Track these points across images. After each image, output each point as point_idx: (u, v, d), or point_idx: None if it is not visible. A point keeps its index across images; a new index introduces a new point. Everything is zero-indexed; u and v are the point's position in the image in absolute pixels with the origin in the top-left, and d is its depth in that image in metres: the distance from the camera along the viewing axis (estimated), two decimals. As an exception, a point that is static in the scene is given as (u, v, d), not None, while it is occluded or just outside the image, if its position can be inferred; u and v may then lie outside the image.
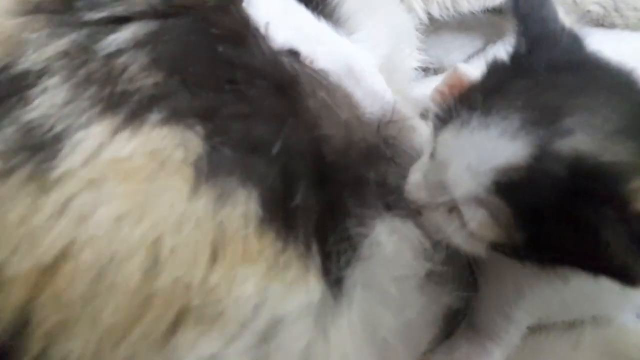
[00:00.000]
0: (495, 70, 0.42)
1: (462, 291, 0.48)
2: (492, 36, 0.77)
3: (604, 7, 0.68)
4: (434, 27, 0.75)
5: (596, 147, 0.35)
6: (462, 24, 0.76)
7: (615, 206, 0.34)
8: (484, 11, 0.74)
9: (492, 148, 0.36)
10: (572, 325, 0.56)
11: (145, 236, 0.34)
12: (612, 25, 0.69)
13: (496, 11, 0.75)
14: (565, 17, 0.43)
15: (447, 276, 0.45)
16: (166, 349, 0.34)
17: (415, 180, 0.42)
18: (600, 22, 0.70)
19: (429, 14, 0.67)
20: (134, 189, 0.35)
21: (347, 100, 0.47)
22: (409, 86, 0.64)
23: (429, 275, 0.43)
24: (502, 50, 0.44)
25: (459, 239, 0.40)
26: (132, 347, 0.33)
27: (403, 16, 0.61)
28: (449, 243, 0.41)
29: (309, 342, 0.36)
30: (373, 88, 0.49)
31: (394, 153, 0.48)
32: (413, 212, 0.42)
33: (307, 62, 0.46)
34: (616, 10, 0.68)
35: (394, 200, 0.43)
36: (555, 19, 0.42)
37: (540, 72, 0.39)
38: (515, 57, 0.42)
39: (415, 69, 0.68)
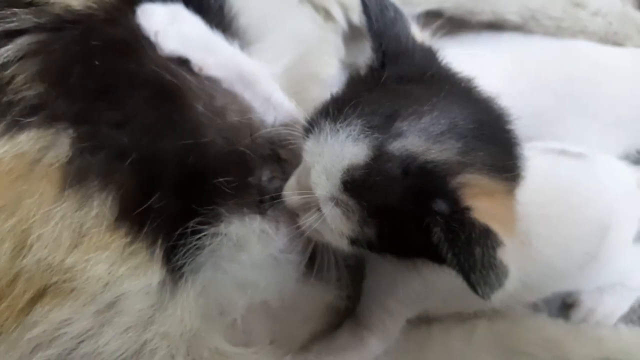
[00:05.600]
0: (352, 82, 0.46)
1: (345, 291, 0.52)
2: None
3: (522, 17, 0.71)
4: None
5: (424, 147, 0.39)
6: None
7: (447, 200, 0.37)
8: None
9: (340, 151, 0.40)
10: (465, 319, 0.60)
11: (15, 227, 0.40)
12: (530, 32, 0.72)
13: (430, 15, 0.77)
14: (419, 33, 0.47)
15: (325, 276, 0.49)
16: (28, 317, 0.40)
17: (290, 185, 0.47)
18: (520, 29, 0.72)
19: (350, 21, 0.70)
20: (6, 188, 0.40)
21: (237, 106, 0.51)
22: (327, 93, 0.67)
23: (299, 271, 0.48)
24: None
25: (326, 236, 0.44)
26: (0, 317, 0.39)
27: (314, 25, 0.63)
28: (319, 240, 0.45)
29: (147, 310, 0.42)
30: (266, 95, 0.53)
31: (288, 155, 0.52)
32: (281, 210, 0.46)
33: (196, 69, 0.50)
34: (533, 19, 0.71)
35: (266, 200, 0.47)
36: (407, 35, 0.45)
37: (388, 84, 0.43)
38: (370, 70, 0.46)
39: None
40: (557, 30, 0.72)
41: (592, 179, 0.61)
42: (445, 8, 0.70)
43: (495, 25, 0.73)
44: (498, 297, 0.36)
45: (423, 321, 0.58)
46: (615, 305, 0.66)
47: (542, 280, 0.57)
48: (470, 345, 0.58)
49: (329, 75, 0.68)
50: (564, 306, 0.67)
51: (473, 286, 0.35)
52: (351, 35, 0.73)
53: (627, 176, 0.64)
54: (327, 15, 0.67)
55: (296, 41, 0.60)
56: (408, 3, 0.68)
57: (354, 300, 0.55)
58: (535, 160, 0.59)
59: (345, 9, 0.68)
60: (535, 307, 0.64)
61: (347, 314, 0.56)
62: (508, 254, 0.36)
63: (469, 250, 0.35)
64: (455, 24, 0.73)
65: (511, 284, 0.36)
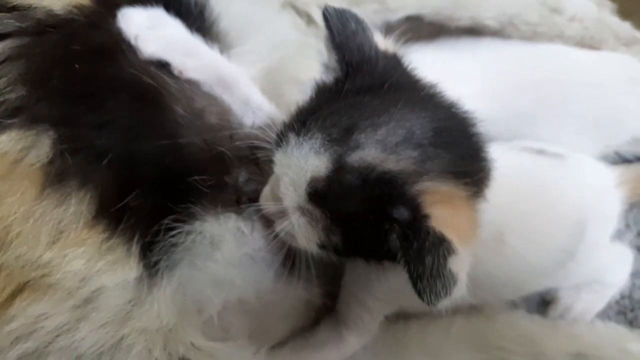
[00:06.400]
0: (316, 94, 0.48)
1: (322, 288, 0.53)
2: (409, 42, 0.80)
3: (500, 22, 0.72)
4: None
5: (380, 157, 0.40)
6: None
7: (404, 208, 0.39)
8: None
9: (304, 164, 0.41)
10: (442, 315, 0.60)
11: None
12: (508, 37, 0.74)
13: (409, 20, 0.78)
14: (382, 40, 0.48)
15: (302, 274, 0.50)
16: (8, 311, 0.41)
17: (266, 194, 0.48)
18: (499, 34, 0.74)
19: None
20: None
21: (217, 109, 0.53)
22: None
23: (275, 269, 0.49)
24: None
25: (298, 241, 0.45)
26: None
27: (295, 30, 0.65)
28: (293, 244, 0.47)
29: (125, 305, 0.44)
30: (245, 97, 0.54)
31: (265, 157, 0.53)
32: (256, 210, 0.48)
33: (176, 72, 0.52)
34: (511, 24, 0.73)
35: (243, 200, 0.48)
36: (369, 45, 0.46)
37: (349, 96, 0.44)
38: (335, 82, 0.47)
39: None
40: (534, 35, 0.73)
41: (568, 177, 0.62)
42: (425, 14, 0.71)
43: (475, 31, 0.75)
44: (444, 305, 0.36)
45: (401, 317, 0.59)
46: (592, 302, 0.67)
47: (519, 278, 0.58)
48: (446, 340, 0.59)
49: (310, 79, 0.69)
50: (543, 303, 0.68)
51: (419, 293, 0.36)
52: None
53: (604, 175, 0.65)
54: (310, 19, 0.69)
55: (276, 45, 0.61)
56: (387, 9, 0.70)
57: (333, 297, 0.56)
58: (512, 159, 0.61)
59: (327, 14, 0.70)
60: (513, 304, 0.65)
61: (326, 311, 0.57)
62: (461, 263, 0.37)
63: (420, 258, 0.36)
64: (433, 31, 0.75)
65: (459, 292, 0.37)
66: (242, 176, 0.50)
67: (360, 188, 0.40)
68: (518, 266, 0.57)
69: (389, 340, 0.57)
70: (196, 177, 0.46)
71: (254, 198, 0.49)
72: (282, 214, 0.45)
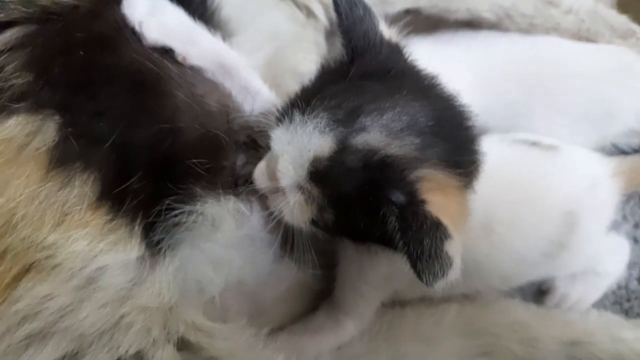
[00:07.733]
0: (321, 75, 0.49)
1: (320, 271, 0.54)
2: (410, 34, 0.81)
3: (497, 14, 0.73)
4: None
5: (384, 142, 0.41)
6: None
7: (404, 192, 0.40)
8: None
9: (307, 142, 0.42)
10: (436, 302, 0.61)
11: (2, 207, 0.43)
12: (506, 30, 0.75)
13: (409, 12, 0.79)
14: (386, 30, 0.49)
15: (300, 256, 0.50)
16: (14, 291, 0.42)
17: (260, 169, 0.49)
18: (497, 27, 0.75)
19: (331, 19, 0.72)
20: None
21: (218, 95, 0.54)
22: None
23: (274, 250, 0.50)
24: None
25: (289, 218, 0.46)
26: None
27: (294, 21, 0.66)
28: (286, 221, 0.47)
29: (126, 284, 0.45)
30: (245, 83, 0.55)
31: (265, 142, 0.54)
32: (254, 192, 0.49)
33: (179, 59, 0.52)
34: (507, 17, 0.73)
35: (239, 183, 0.49)
36: (375, 32, 0.48)
37: (355, 79, 0.46)
38: (339, 65, 0.48)
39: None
40: (530, 28, 0.74)
41: (559, 169, 0.63)
42: (422, 7, 0.72)
43: (473, 24, 0.76)
44: (441, 286, 0.38)
45: (397, 304, 0.59)
46: (588, 292, 0.68)
47: (508, 267, 0.59)
48: (440, 326, 0.60)
49: (309, 71, 0.70)
50: (539, 292, 0.69)
51: (419, 274, 0.37)
52: (333, 32, 0.75)
53: (599, 167, 0.66)
54: (309, 12, 0.70)
55: (274, 35, 0.62)
56: (385, 2, 0.71)
57: (332, 282, 0.57)
58: (503, 150, 0.62)
59: (326, 7, 0.70)
60: (509, 294, 0.66)
61: (324, 297, 0.58)
62: (455, 247, 0.38)
63: (419, 240, 0.37)
64: (433, 23, 0.76)
65: (455, 274, 0.38)
66: (239, 160, 0.51)
67: (361, 170, 0.40)
68: (507, 255, 0.58)
69: (385, 326, 0.58)
70: (194, 161, 0.46)
71: (251, 181, 0.50)
72: (277, 190, 0.46)
